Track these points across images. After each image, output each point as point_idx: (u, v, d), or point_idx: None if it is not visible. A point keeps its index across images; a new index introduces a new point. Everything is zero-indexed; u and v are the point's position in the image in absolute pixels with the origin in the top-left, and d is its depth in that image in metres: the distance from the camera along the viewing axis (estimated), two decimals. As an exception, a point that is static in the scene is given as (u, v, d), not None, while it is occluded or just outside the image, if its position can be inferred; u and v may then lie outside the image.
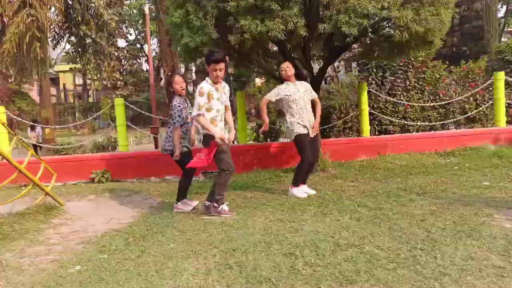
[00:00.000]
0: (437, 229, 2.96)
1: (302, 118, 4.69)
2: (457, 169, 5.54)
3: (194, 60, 6.08)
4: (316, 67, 7.44)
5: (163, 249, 3.06)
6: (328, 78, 20.89)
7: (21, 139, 4.61)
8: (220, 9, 4.88)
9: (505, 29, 37.42)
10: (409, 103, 8.16)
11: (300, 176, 4.68)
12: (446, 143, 7.27)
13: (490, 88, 8.04)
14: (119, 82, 41.92)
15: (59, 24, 12.76)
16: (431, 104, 8.21)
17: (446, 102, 8.20)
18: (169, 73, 4.72)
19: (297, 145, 4.75)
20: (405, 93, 8.30)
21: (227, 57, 4.45)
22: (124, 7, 40.94)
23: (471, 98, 8.31)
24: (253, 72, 7.87)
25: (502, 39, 33.75)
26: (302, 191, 4.64)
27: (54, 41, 17.26)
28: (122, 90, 42.20)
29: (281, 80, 5.04)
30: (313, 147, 4.81)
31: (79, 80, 47.23)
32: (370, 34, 5.42)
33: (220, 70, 3.89)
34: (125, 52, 42.07)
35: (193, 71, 43.75)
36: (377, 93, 8.14)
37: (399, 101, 8.15)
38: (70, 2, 15.60)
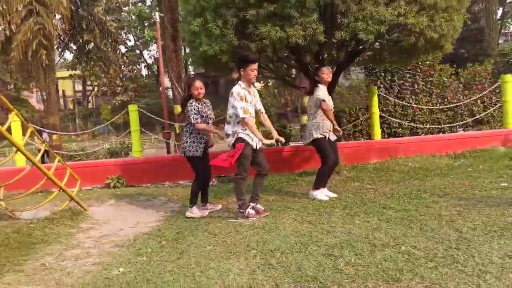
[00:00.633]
0: (468, 229, 3.07)
1: (326, 122, 4.79)
2: (471, 170, 5.65)
3: (210, 67, 6.18)
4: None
5: (201, 251, 3.14)
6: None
7: (49, 146, 4.69)
8: (239, 17, 5.00)
9: (502, 31, 37.83)
10: (417, 106, 8.30)
11: (322, 179, 4.77)
12: (456, 145, 7.39)
13: (497, 91, 8.18)
14: (119, 88, 42.03)
15: (65, 32, 12.87)
16: (440, 107, 8.35)
17: (454, 104, 8.33)
18: (192, 75, 4.86)
19: (319, 148, 4.84)
20: (413, 96, 8.45)
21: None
22: (122, 13, 41.17)
23: (478, 101, 8.45)
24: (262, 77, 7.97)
25: (499, 41, 34.12)
26: (324, 194, 4.73)
27: (59, 49, 17.42)
28: (122, 96, 42.31)
29: (315, 82, 5.02)
30: (334, 150, 4.92)
31: (79, 87, 47.33)
32: (379, 41, 5.57)
33: (256, 70, 4.14)
34: (125, 58, 42.23)
35: (192, 75, 43.94)
36: (386, 96, 8.27)
37: (408, 104, 8.28)
38: (74, 9, 15.75)
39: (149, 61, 47.77)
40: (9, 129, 5.25)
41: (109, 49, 18.81)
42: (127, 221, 4.63)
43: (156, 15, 14.01)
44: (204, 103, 4.61)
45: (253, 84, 4.33)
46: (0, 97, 3.66)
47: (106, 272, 2.89)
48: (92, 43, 18.40)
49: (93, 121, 42.47)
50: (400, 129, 8.38)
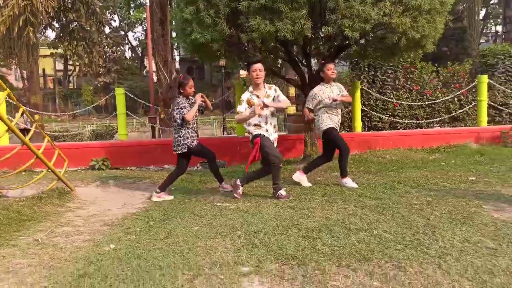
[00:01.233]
0: (435, 217, 3.35)
1: (332, 116, 4.89)
2: (444, 164, 5.99)
3: (200, 55, 6.29)
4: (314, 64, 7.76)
5: (188, 231, 3.33)
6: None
7: (39, 127, 4.76)
8: (232, 8, 5.12)
9: (484, 31, 38.77)
10: (398, 102, 8.61)
11: (346, 165, 4.83)
12: (432, 140, 7.75)
13: (474, 90, 8.56)
14: (101, 69, 41.27)
15: (53, 9, 12.60)
16: (419, 103, 8.69)
17: (432, 101, 8.69)
18: (184, 76, 5.03)
19: (332, 138, 4.86)
20: (394, 92, 8.75)
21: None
22: (108, -8, 40.18)
23: (455, 99, 8.82)
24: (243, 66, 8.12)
25: (481, 41, 34.99)
26: (351, 181, 4.82)
27: (42, 26, 17.01)
28: (104, 77, 41.56)
29: (320, 79, 5.09)
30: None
31: (60, 66, 46.20)
32: (369, 36, 5.79)
33: (260, 71, 4.33)
34: (109, 39, 41.39)
35: (177, 60, 43.52)
36: (369, 90, 8.55)
37: (389, 99, 8.59)
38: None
39: (134, 43, 46.99)
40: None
41: (93, 29, 18.45)
42: (114, 202, 4.77)
43: None
44: (190, 99, 4.83)
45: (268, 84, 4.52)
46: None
47: (97, 248, 3.04)
48: (76, 23, 18.05)
49: (74, 101, 41.68)
50: (380, 123, 8.69)
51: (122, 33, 44.75)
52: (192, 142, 4.73)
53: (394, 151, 7.31)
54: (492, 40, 40.13)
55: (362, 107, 8.27)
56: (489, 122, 8.84)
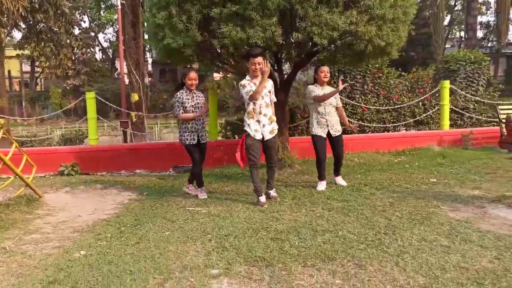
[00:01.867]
0: (396, 217, 3.54)
1: (320, 119, 5.05)
2: (408, 167, 6.27)
3: (173, 59, 6.31)
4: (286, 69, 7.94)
5: (160, 236, 3.38)
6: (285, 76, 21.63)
7: (6, 132, 4.66)
8: (204, 14, 5.19)
9: (449, 36, 40.41)
10: (366, 106, 8.90)
11: (320, 170, 5.04)
12: (398, 143, 8.07)
13: (437, 95, 8.96)
14: (70, 71, 40.17)
15: (21, 10, 12.26)
16: (385, 108, 9.01)
17: (398, 106, 9.03)
18: (188, 66, 5.25)
19: (314, 144, 5.12)
20: (362, 97, 9.03)
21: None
22: (78, -8, 39.22)
23: (420, 103, 9.21)
24: (217, 69, 8.22)
25: (446, 46, 36.47)
26: (322, 186, 4.97)
27: (7, 27, 16.46)
28: (74, 80, 40.47)
29: (314, 80, 5.36)
30: (336, 145, 5.20)
31: (26, 67, 44.67)
32: (334, 43, 5.99)
33: (259, 64, 4.34)
34: (78, 40, 40.40)
35: (149, 63, 43.00)
36: (339, 95, 8.78)
37: (357, 104, 8.86)
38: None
39: (105, 44, 46.03)
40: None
41: (62, 31, 18.04)
42: (84, 208, 4.73)
43: (118, 1, 13.65)
44: (195, 93, 4.97)
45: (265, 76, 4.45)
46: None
47: (67, 255, 3.05)
48: (44, 24, 17.60)
49: (41, 104, 40.35)
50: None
51: (93, 34, 43.76)
52: (187, 140, 4.84)
53: (362, 154, 7.57)
54: (457, 46, 41.88)
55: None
56: (451, 126, 9.27)
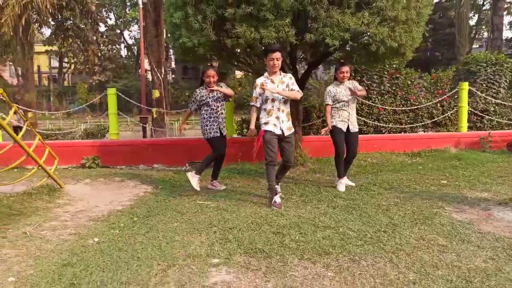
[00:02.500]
0: (398, 216, 3.60)
1: (341, 111, 5.11)
2: (421, 168, 6.26)
3: (188, 58, 6.50)
4: (300, 69, 8.02)
5: (168, 227, 3.55)
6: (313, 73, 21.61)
7: (30, 125, 4.95)
8: (218, 14, 5.34)
9: (476, 36, 39.30)
10: (382, 107, 8.87)
11: (336, 168, 5.09)
12: (414, 145, 8.02)
13: (456, 96, 8.84)
14: (96, 67, 41.30)
15: (49, 7, 12.74)
16: (403, 108, 8.95)
17: (416, 107, 8.96)
18: (209, 64, 5.46)
19: (332, 137, 5.14)
20: (379, 97, 9.00)
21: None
22: (105, -9, 40.23)
23: (438, 104, 9.10)
24: (233, 68, 8.41)
25: (474, 46, 35.52)
26: (342, 184, 4.98)
27: (37, 24, 17.12)
28: (99, 76, 41.61)
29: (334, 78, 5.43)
30: (352, 142, 5.17)
31: (55, 63, 46.18)
32: (350, 44, 6.04)
33: (277, 60, 4.30)
34: (104, 37, 41.45)
35: (173, 60, 43.66)
36: (355, 95, 8.79)
37: (374, 104, 8.84)
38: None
39: (130, 41, 47.03)
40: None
41: (88, 28, 18.59)
42: (101, 199, 4.97)
43: (140, 1, 13.99)
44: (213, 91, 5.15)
45: (284, 72, 4.55)
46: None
47: (82, 241, 3.26)
48: (71, 21, 18.19)
49: (68, 99, 41.68)
50: (366, 127, 8.94)
51: (118, 31, 44.79)
52: (209, 132, 5.04)
53: (376, 154, 7.57)
54: (486, 46, 40.71)
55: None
56: (471, 128, 9.13)
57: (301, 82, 6.98)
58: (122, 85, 34.60)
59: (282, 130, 4.27)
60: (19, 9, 11.10)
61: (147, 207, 4.36)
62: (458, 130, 8.55)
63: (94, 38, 21.60)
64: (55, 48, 36.30)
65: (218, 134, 5.05)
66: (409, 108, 8.96)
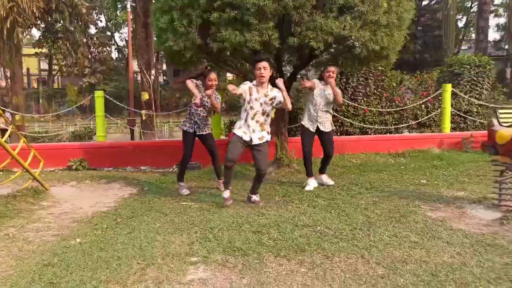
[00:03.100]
0: (375, 215, 3.71)
1: (311, 113, 5.24)
2: (403, 168, 6.39)
3: (175, 61, 6.56)
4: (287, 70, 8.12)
5: (151, 227, 3.62)
6: (298, 76, 21.78)
7: (15, 128, 4.97)
8: (204, 18, 5.42)
9: (465, 38, 39.85)
10: (368, 108, 9.02)
11: (305, 167, 5.23)
12: (398, 145, 8.16)
13: (440, 97, 9.02)
14: (86, 69, 41.01)
15: (35, 10, 12.71)
16: (388, 110, 9.11)
17: (400, 108, 9.12)
18: (209, 67, 5.50)
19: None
20: (365, 99, 9.15)
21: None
22: (95, -7, 40.00)
23: (422, 106, 9.28)
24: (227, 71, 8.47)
25: (462, 47, 36.00)
26: (311, 184, 5.12)
27: (24, 27, 17.01)
28: (89, 78, 41.32)
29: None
30: (326, 142, 5.32)
31: (44, 65, 45.78)
32: (334, 47, 6.15)
33: (264, 69, 4.29)
34: (95, 39, 41.19)
35: (164, 62, 43.58)
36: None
37: (359, 106, 8.98)
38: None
39: (120, 43, 46.85)
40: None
41: (78, 31, 18.54)
42: (86, 201, 5.01)
43: (128, 5, 14.00)
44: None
45: (274, 85, 4.47)
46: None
47: (64, 242, 3.31)
48: (61, 23, 18.13)
49: (58, 101, 41.33)
50: (352, 128, 9.08)
51: (109, 33, 44.60)
52: (185, 126, 5.14)
53: (361, 155, 7.70)
54: (474, 48, 41.25)
55: (334, 113, 8.63)
56: (454, 129, 9.32)
57: (288, 84, 7.10)
58: (113, 87, 34.46)
59: (250, 137, 4.26)
60: (4, 12, 11.06)
61: (131, 209, 4.41)
62: (442, 131, 8.72)
63: (84, 40, 21.51)
64: (45, 50, 36.04)
65: (191, 131, 5.10)
66: (394, 109, 9.12)
